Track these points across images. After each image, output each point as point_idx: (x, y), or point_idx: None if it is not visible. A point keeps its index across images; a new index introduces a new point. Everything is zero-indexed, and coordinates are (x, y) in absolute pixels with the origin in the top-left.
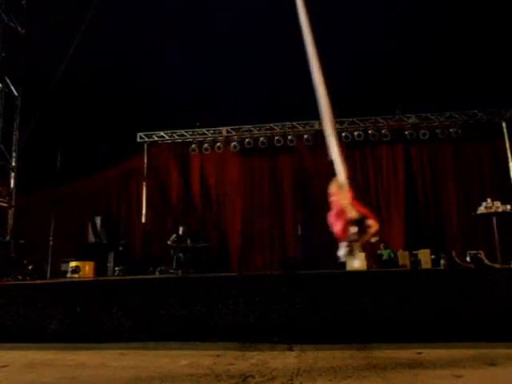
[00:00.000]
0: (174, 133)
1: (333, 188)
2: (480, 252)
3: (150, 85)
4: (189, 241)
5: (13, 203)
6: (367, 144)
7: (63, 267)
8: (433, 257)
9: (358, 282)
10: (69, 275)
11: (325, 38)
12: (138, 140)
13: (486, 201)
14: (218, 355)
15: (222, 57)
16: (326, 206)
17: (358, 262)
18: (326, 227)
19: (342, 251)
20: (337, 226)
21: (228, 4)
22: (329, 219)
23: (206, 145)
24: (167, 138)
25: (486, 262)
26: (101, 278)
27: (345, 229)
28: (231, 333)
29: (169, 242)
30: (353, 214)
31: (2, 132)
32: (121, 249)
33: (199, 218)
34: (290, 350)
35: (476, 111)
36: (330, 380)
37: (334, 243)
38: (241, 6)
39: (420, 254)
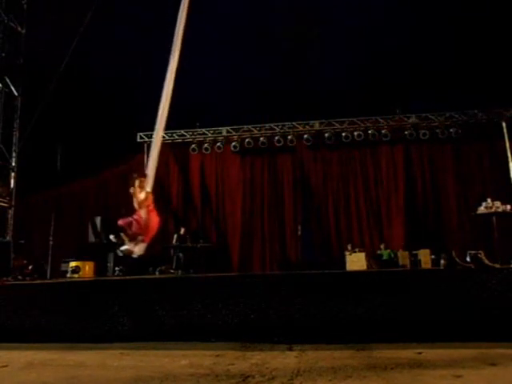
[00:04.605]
0: (174, 133)
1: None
2: (480, 252)
3: (150, 84)
4: (189, 241)
5: (13, 203)
6: (367, 144)
7: (63, 267)
8: (433, 257)
9: (358, 281)
10: (69, 275)
11: (324, 38)
12: (138, 140)
13: (486, 201)
14: (218, 355)
15: (222, 56)
16: (325, 206)
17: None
18: (326, 227)
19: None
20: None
21: (228, 4)
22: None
23: (205, 145)
24: (167, 137)
25: (486, 262)
26: (101, 278)
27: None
28: (231, 333)
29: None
30: None
31: (2, 132)
32: None
33: (199, 218)
34: (290, 349)
35: (476, 111)
36: (330, 380)
37: (334, 243)
38: (241, 5)
39: (420, 253)
